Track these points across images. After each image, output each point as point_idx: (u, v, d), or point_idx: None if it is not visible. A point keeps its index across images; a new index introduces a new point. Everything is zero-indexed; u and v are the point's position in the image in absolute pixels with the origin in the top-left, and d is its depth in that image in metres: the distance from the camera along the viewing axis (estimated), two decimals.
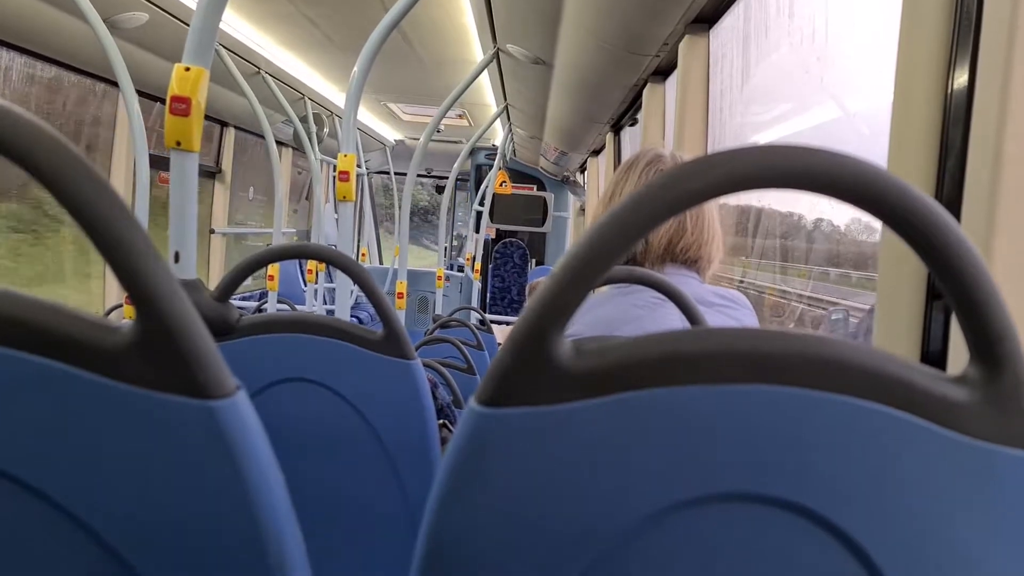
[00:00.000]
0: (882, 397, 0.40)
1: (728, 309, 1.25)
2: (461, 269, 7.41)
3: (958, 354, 0.88)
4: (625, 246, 0.41)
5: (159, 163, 3.66)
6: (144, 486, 0.43)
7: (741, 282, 2.72)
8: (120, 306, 3.55)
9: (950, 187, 0.91)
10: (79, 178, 0.40)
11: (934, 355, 0.92)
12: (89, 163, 0.40)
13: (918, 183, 0.93)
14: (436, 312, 4.79)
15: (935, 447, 0.41)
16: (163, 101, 1.26)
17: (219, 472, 0.43)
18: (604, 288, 1.30)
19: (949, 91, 0.93)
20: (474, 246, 6.71)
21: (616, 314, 1.21)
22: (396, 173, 7.70)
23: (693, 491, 0.42)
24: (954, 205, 0.88)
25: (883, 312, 0.99)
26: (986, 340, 0.40)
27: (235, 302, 1.14)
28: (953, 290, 0.40)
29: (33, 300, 0.42)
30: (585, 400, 0.42)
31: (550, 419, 0.42)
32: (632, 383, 0.41)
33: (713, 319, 1.15)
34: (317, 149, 5.04)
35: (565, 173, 7.33)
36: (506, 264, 7.96)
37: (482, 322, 3.93)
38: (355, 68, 2.15)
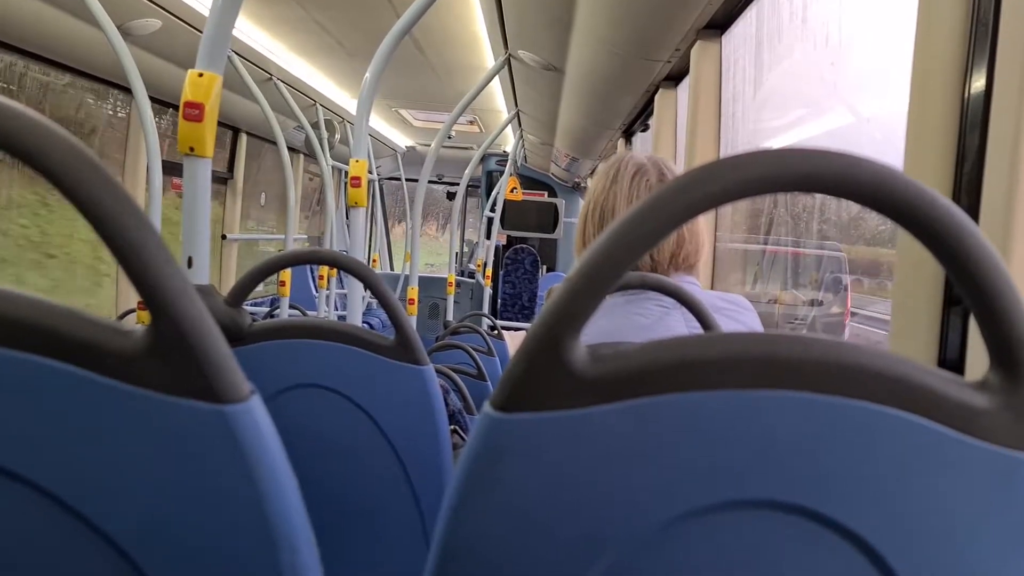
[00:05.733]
0: (900, 403, 0.40)
1: (735, 313, 1.24)
2: (472, 275, 7.41)
3: (976, 359, 0.87)
4: (640, 251, 0.40)
5: (172, 169, 3.68)
6: (157, 490, 0.43)
7: None
8: (133, 311, 3.56)
9: (967, 193, 0.90)
10: (94, 182, 0.40)
11: (952, 360, 0.91)
12: (104, 167, 0.40)
13: (934, 189, 0.92)
14: (447, 318, 4.79)
15: (954, 453, 0.40)
16: (176, 107, 1.26)
17: (232, 476, 0.43)
18: (608, 297, 1.29)
19: (966, 96, 0.92)
20: (485, 252, 6.71)
21: (621, 325, 1.20)
22: (407, 179, 7.72)
23: (709, 497, 0.42)
24: (972, 211, 0.88)
25: (900, 316, 0.98)
26: (1007, 346, 0.40)
27: (247, 307, 1.14)
28: (972, 295, 0.40)
29: (47, 304, 0.42)
30: (600, 405, 0.41)
31: (565, 424, 0.42)
32: (648, 388, 0.41)
33: (721, 323, 1.14)
34: (329, 155, 5.05)
35: (576, 179, 7.33)
36: (517, 270, 7.95)
37: (493, 328, 3.92)
38: (367, 74, 2.15)
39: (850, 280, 5.21)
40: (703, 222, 1.30)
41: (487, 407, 0.43)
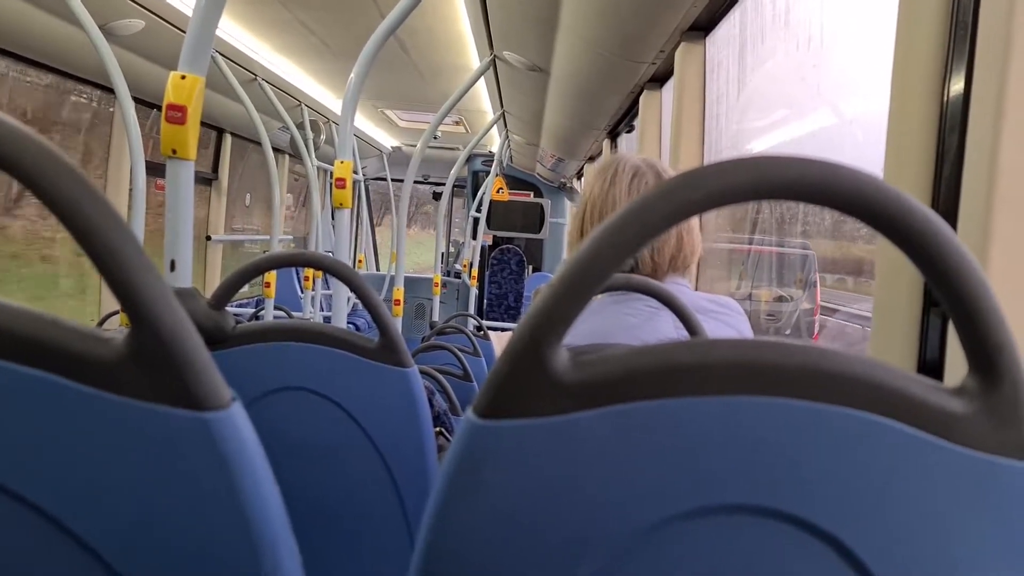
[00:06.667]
0: (880, 409, 0.40)
1: (725, 316, 1.25)
2: (458, 275, 7.40)
3: (955, 364, 0.88)
4: (622, 258, 0.40)
5: (156, 170, 3.66)
6: (137, 498, 0.43)
7: None
8: (117, 312, 3.53)
9: (946, 194, 0.91)
10: (71, 187, 0.40)
11: (931, 365, 0.92)
12: (81, 172, 0.40)
13: (914, 190, 0.93)
14: (433, 319, 4.79)
15: (933, 458, 0.40)
16: (160, 108, 1.25)
17: (213, 484, 0.43)
18: (598, 296, 1.30)
19: (945, 98, 0.93)
20: (471, 252, 6.71)
21: (610, 324, 1.21)
22: (393, 180, 7.70)
23: (691, 503, 0.42)
24: (950, 213, 0.88)
25: (880, 321, 0.98)
26: (984, 351, 0.40)
27: (231, 309, 1.14)
28: (951, 301, 0.40)
29: (25, 311, 0.42)
30: (583, 411, 0.41)
31: (547, 431, 0.42)
32: (630, 394, 0.41)
33: (710, 327, 1.15)
34: (314, 156, 5.03)
35: (562, 179, 7.33)
36: (503, 271, 7.95)
37: (479, 329, 3.92)
38: (352, 75, 2.15)
39: (818, 277, 5.42)
40: (696, 224, 1.32)
41: (470, 413, 0.43)
